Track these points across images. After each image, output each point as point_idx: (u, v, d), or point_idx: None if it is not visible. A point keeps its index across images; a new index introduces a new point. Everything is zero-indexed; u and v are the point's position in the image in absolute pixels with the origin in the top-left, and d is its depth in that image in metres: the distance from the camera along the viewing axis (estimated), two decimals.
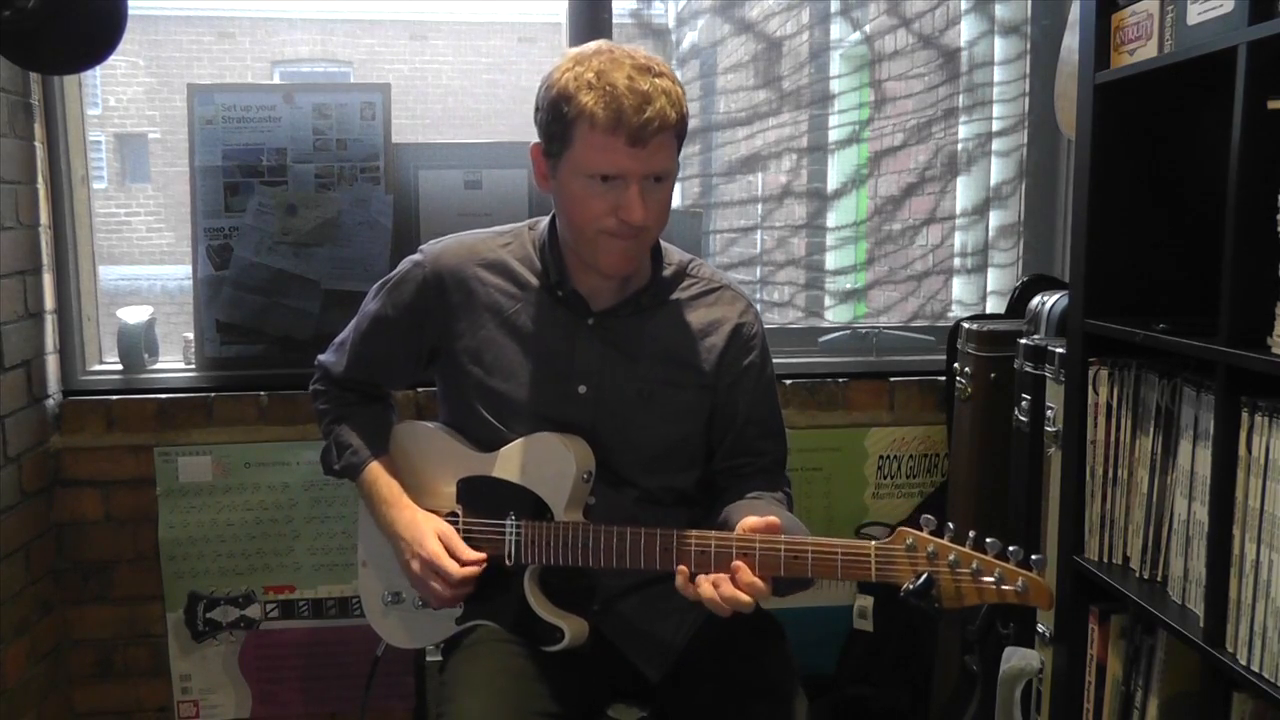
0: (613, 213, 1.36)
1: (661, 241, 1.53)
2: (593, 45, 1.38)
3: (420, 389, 2.16)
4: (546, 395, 1.49)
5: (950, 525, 1.24)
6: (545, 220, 1.54)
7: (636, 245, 1.42)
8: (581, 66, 1.34)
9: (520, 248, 1.54)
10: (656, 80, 1.33)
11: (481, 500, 1.51)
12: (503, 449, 1.49)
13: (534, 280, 1.51)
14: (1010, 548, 1.21)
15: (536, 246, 1.53)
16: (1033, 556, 1.20)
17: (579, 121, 1.33)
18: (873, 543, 1.25)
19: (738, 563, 1.28)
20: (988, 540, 1.21)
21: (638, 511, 1.49)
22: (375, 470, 1.56)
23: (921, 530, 1.24)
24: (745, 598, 1.26)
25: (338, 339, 1.65)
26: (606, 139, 1.32)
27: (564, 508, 1.44)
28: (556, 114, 1.36)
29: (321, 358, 1.66)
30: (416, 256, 1.56)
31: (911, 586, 1.21)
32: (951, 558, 1.21)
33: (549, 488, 1.45)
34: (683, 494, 1.55)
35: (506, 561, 1.47)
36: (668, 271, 1.53)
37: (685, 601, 1.51)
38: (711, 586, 1.28)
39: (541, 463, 1.46)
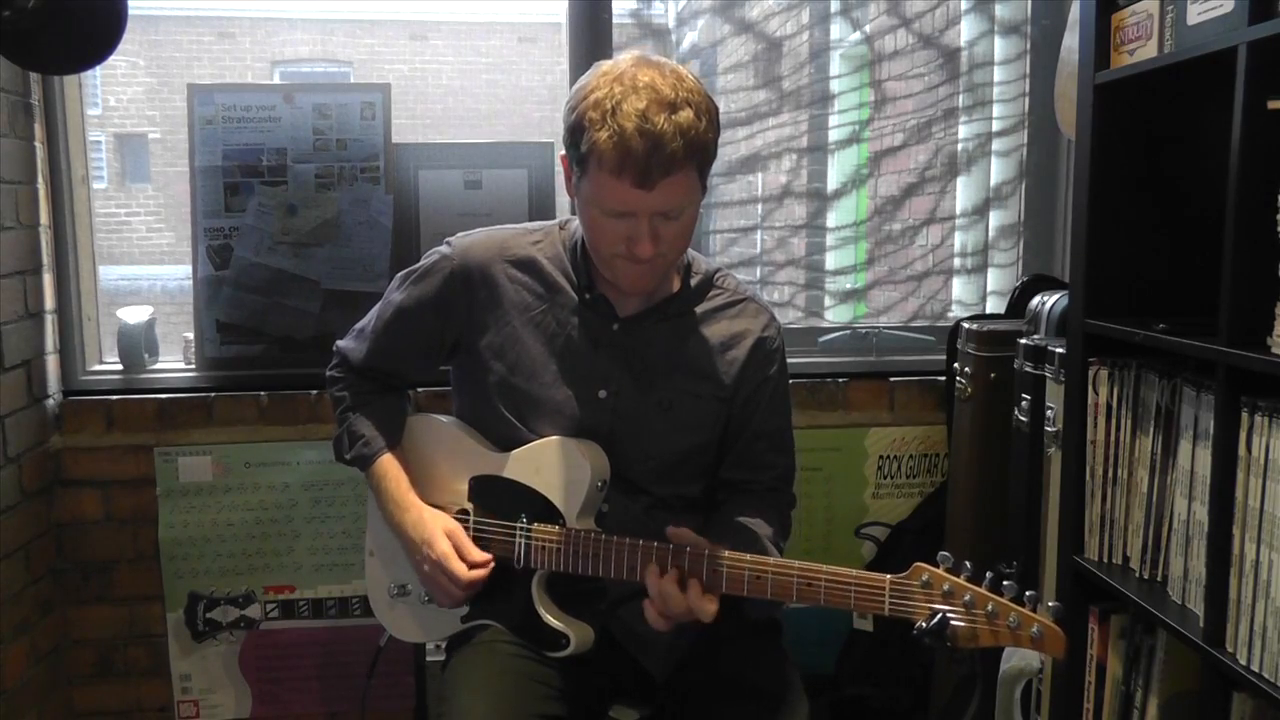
0: (624, 241, 1.36)
1: (690, 250, 1.53)
2: (624, 63, 1.34)
3: (422, 388, 2.16)
4: (567, 396, 1.48)
5: (967, 564, 1.22)
6: (577, 221, 1.52)
7: (651, 269, 1.41)
8: (601, 92, 1.31)
9: (551, 247, 1.53)
10: (675, 115, 1.28)
11: (493, 500, 1.50)
12: (517, 450, 1.49)
13: (562, 281, 1.50)
14: (1028, 592, 1.19)
15: (567, 248, 1.52)
16: (1050, 603, 1.19)
17: (591, 156, 1.32)
18: (888, 577, 1.24)
19: (691, 579, 1.32)
20: (1004, 583, 1.19)
21: (648, 519, 1.49)
22: (385, 464, 1.55)
23: (938, 567, 1.22)
24: (681, 603, 1.32)
25: (358, 325, 1.63)
26: (614, 180, 1.31)
27: (576, 514, 1.44)
28: (575, 140, 1.35)
29: (341, 343, 1.65)
30: (444, 249, 1.54)
31: (925, 626, 1.19)
32: (967, 598, 1.19)
33: (563, 494, 1.45)
34: (692, 502, 1.55)
35: (515, 564, 1.47)
36: (695, 281, 1.53)
37: None
38: (668, 583, 1.33)
39: (557, 468, 1.46)
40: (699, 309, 1.53)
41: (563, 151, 1.42)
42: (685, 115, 1.29)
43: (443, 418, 1.61)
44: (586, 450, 1.46)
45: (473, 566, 1.46)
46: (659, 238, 1.35)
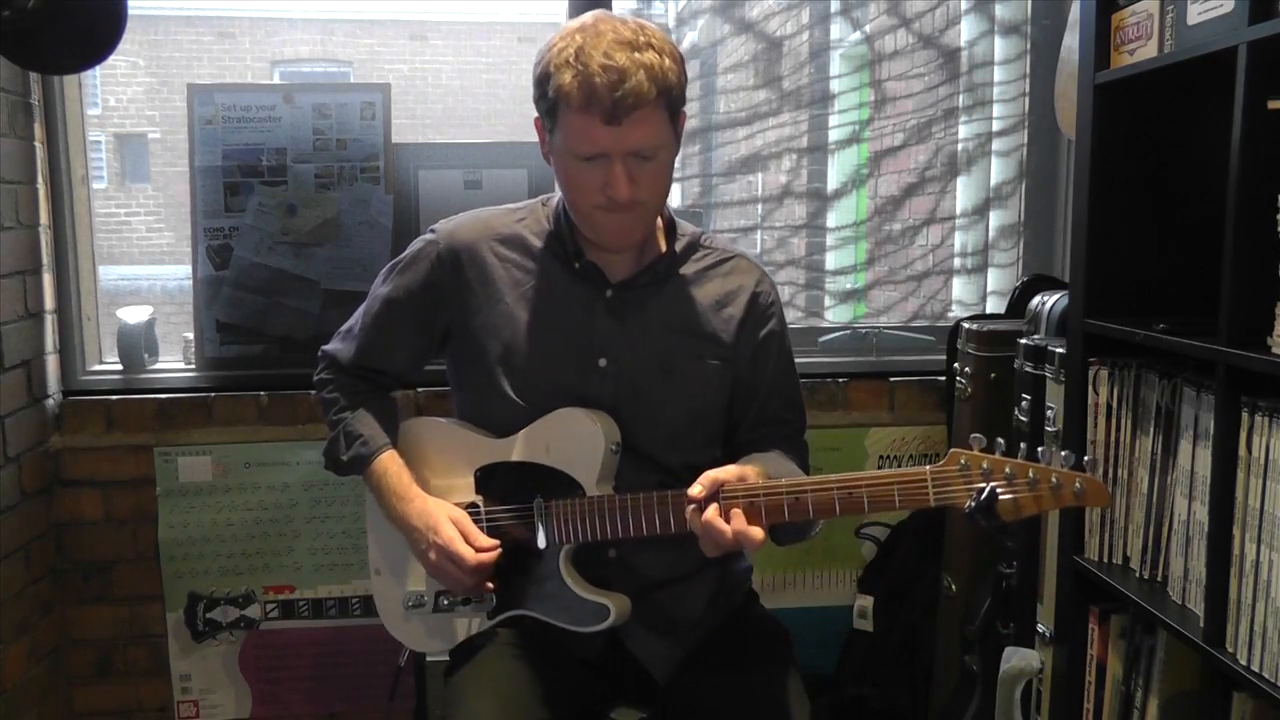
0: (601, 189, 1.36)
1: (675, 216, 1.53)
2: (583, 18, 1.37)
3: (421, 389, 2.16)
4: (567, 369, 1.47)
5: (1000, 441, 1.23)
6: (559, 194, 1.53)
7: (633, 219, 1.41)
8: (565, 41, 1.33)
9: (536, 222, 1.53)
10: (638, 54, 1.30)
11: (503, 487, 1.49)
12: (522, 431, 1.47)
13: (550, 254, 1.50)
14: (1062, 453, 1.20)
15: (551, 220, 1.52)
16: (1084, 458, 1.20)
17: (559, 101, 1.33)
18: (927, 468, 1.24)
19: (736, 511, 1.28)
20: (1039, 449, 1.21)
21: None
22: (385, 461, 1.52)
23: (972, 449, 1.23)
24: (727, 535, 1.27)
25: (344, 327, 1.61)
26: (582, 119, 1.32)
27: (595, 482, 1.42)
28: (543, 92, 1.37)
29: (327, 347, 1.62)
30: (429, 235, 1.54)
31: (974, 504, 1.20)
32: (1007, 470, 1.20)
33: (578, 464, 1.42)
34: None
35: (539, 545, 1.44)
36: (681, 243, 1.53)
37: (696, 606, 1.51)
38: (711, 518, 1.28)
39: (567, 440, 1.43)
40: (690, 270, 1.52)
41: (536, 115, 1.42)
42: (649, 55, 1.31)
43: (438, 418, 1.59)
44: (594, 416, 1.43)
45: (480, 551, 1.44)
46: (635, 181, 1.36)
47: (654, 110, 1.33)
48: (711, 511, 1.28)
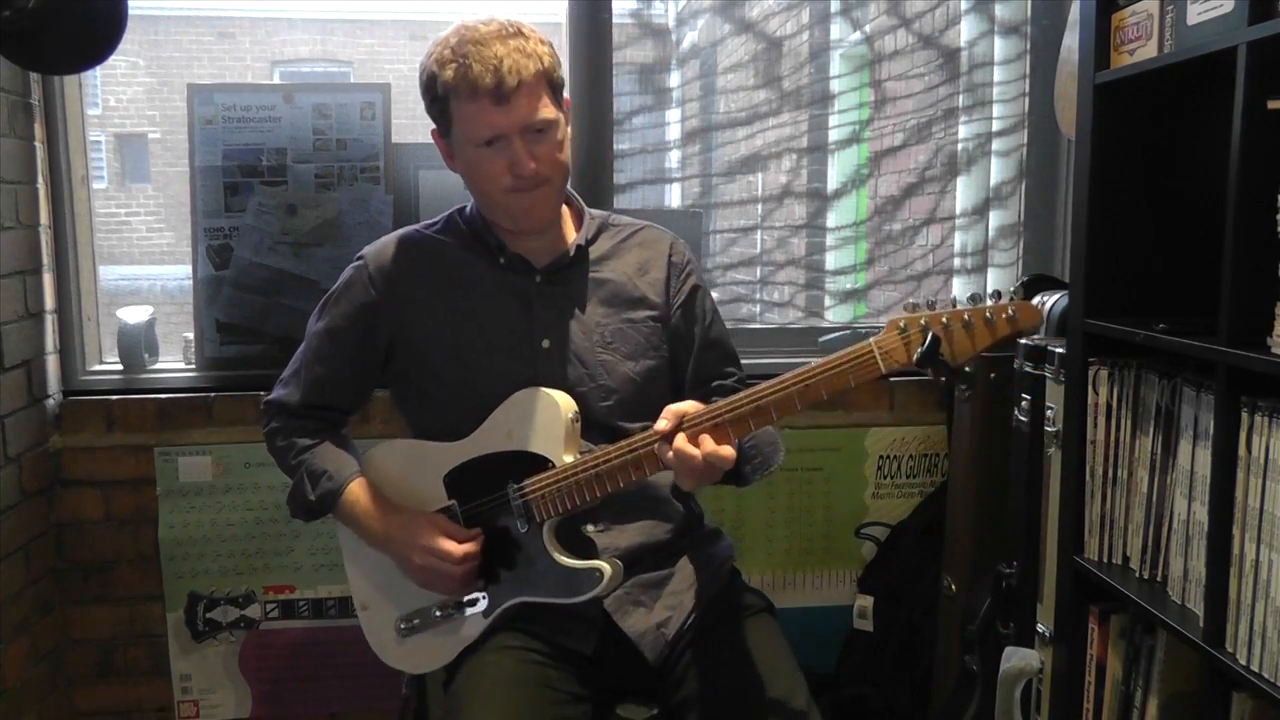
0: (508, 170, 1.45)
1: (583, 205, 1.63)
2: (456, 23, 1.46)
3: None
4: (514, 356, 1.52)
5: (934, 299, 1.30)
6: (471, 201, 1.60)
7: (542, 196, 1.49)
8: (440, 46, 1.44)
9: (455, 228, 1.60)
10: (511, 40, 1.42)
11: (474, 484, 1.51)
12: (481, 426, 1.50)
13: (476, 255, 1.56)
14: (991, 290, 1.29)
15: (469, 224, 1.59)
16: (1011, 288, 1.24)
17: (450, 98, 1.44)
18: (870, 341, 1.30)
19: (704, 435, 1.32)
20: (971, 295, 1.28)
21: None
22: (354, 491, 1.54)
23: (906, 313, 1.30)
24: (697, 458, 1.30)
25: (285, 374, 1.63)
26: (473, 105, 1.42)
27: (562, 453, 1.44)
28: (432, 96, 1.47)
29: (270, 397, 1.63)
30: (357, 262, 1.59)
31: (919, 354, 1.26)
32: (944, 321, 1.27)
33: (542, 440, 1.45)
34: None
35: (520, 529, 1.47)
36: (593, 226, 1.61)
37: (682, 585, 1.52)
38: (681, 445, 1.32)
39: (526, 421, 1.47)
40: (606, 246, 1.61)
41: (433, 127, 1.51)
42: (519, 41, 1.43)
43: (393, 441, 1.60)
44: (549, 391, 1.47)
45: (463, 541, 1.47)
46: (536, 156, 1.45)
47: (536, 86, 1.43)
48: (680, 440, 1.32)
